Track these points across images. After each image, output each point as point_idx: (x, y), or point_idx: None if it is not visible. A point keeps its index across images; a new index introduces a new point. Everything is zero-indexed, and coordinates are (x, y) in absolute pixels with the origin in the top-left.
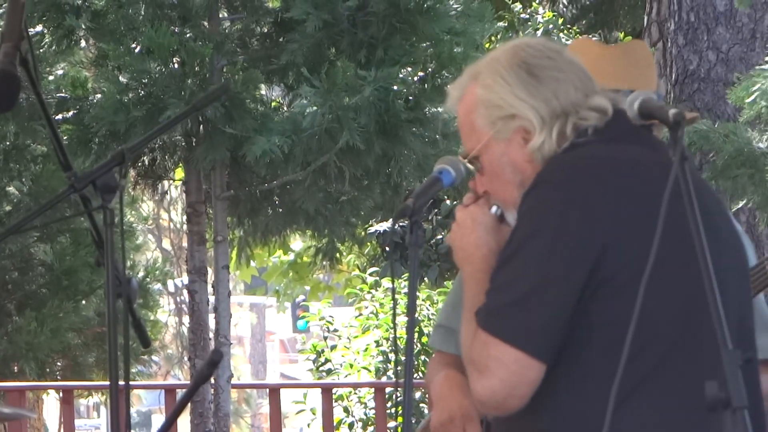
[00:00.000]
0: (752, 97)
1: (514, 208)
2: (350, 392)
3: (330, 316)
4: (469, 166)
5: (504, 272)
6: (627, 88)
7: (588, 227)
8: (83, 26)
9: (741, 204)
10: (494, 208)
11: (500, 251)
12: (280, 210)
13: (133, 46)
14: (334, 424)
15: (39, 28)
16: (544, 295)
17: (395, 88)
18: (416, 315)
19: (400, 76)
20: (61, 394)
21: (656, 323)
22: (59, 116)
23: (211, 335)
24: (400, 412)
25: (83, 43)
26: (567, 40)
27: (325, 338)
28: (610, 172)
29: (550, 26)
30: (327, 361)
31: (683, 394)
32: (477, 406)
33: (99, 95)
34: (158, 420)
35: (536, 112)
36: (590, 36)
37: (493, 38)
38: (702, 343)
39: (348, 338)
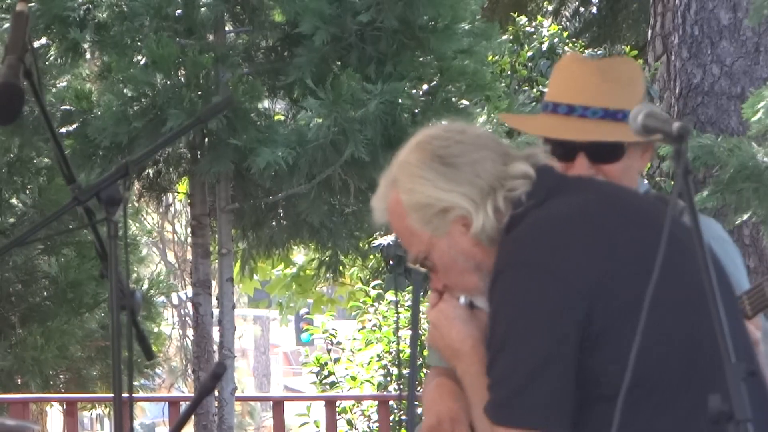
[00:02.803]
0: (758, 115)
1: (479, 293)
2: (353, 405)
3: (333, 329)
4: (421, 269)
5: (499, 364)
6: (599, 106)
7: (566, 294)
8: (87, 39)
9: (745, 217)
10: (462, 299)
11: (486, 343)
12: (285, 223)
13: (138, 58)
14: None
15: (43, 40)
16: (545, 373)
17: (401, 101)
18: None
19: (406, 89)
20: (64, 407)
21: (662, 358)
22: (63, 129)
23: (215, 348)
24: (404, 425)
25: (88, 56)
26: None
27: (329, 351)
28: (565, 232)
29: (555, 39)
30: (330, 373)
31: (699, 421)
32: None
33: (102, 108)
34: None
35: (466, 197)
36: (595, 50)
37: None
38: (710, 372)
39: (351, 351)
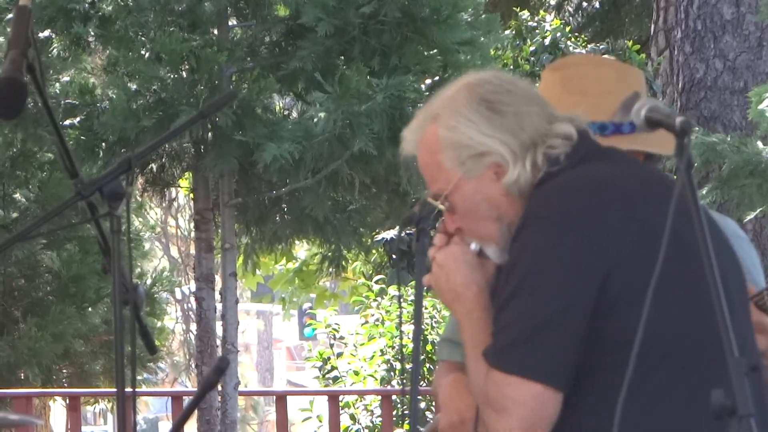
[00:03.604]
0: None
1: (493, 243)
2: (357, 399)
3: (336, 324)
4: (440, 206)
5: (509, 310)
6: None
7: (589, 253)
8: (91, 33)
9: (753, 215)
10: (473, 245)
11: (500, 291)
12: (288, 217)
13: (143, 52)
14: (341, 431)
15: (47, 32)
16: (555, 327)
17: (406, 95)
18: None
19: (411, 83)
20: (67, 401)
21: (670, 337)
22: (66, 122)
23: (219, 342)
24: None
25: (92, 47)
26: (574, 48)
27: (332, 346)
28: (597, 194)
29: (558, 34)
30: (333, 368)
31: (699, 410)
32: None
33: (107, 102)
34: (165, 427)
35: (507, 146)
36: (597, 44)
37: (500, 46)
38: (717, 356)
39: (354, 346)
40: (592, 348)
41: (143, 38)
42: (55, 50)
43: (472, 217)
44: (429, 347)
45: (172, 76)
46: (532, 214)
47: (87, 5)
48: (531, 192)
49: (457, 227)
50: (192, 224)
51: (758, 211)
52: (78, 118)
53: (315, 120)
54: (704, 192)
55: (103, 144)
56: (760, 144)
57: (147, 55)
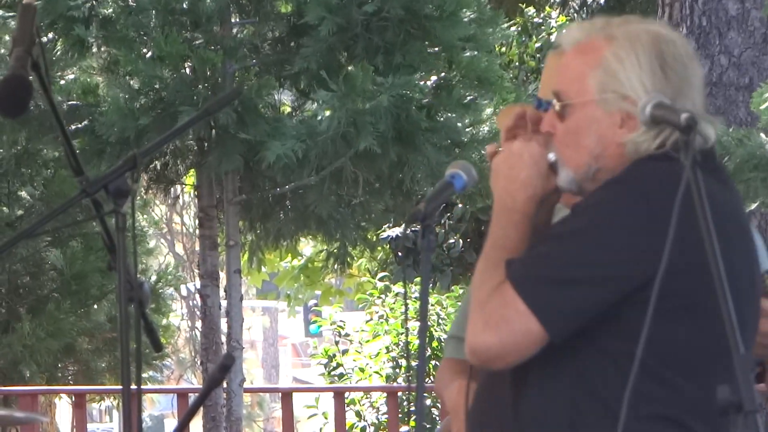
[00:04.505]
0: (766, 104)
1: (572, 169)
2: (362, 396)
3: (342, 321)
4: (554, 103)
5: (559, 246)
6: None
7: (657, 247)
8: (93, 35)
9: (753, 207)
10: (551, 156)
11: (553, 225)
12: (292, 214)
13: (144, 51)
14: (346, 428)
15: (50, 35)
16: (586, 288)
17: (411, 94)
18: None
19: (416, 82)
20: (73, 399)
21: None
22: (72, 127)
23: (224, 339)
24: (413, 416)
25: (95, 49)
26: None
27: (337, 343)
28: (689, 200)
29: (563, 31)
30: (339, 365)
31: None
32: (466, 350)
33: (108, 102)
34: (171, 424)
35: None
36: None
37: (506, 43)
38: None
39: (360, 343)
40: (614, 334)
41: (145, 38)
42: (58, 52)
43: (575, 138)
44: (435, 344)
45: (173, 76)
46: (632, 177)
47: (87, 9)
48: (640, 160)
49: (549, 131)
50: (196, 221)
51: (759, 201)
52: (83, 123)
53: (319, 118)
54: None
55: (108, 147)
56: (763, 136)
57: (149, 54)
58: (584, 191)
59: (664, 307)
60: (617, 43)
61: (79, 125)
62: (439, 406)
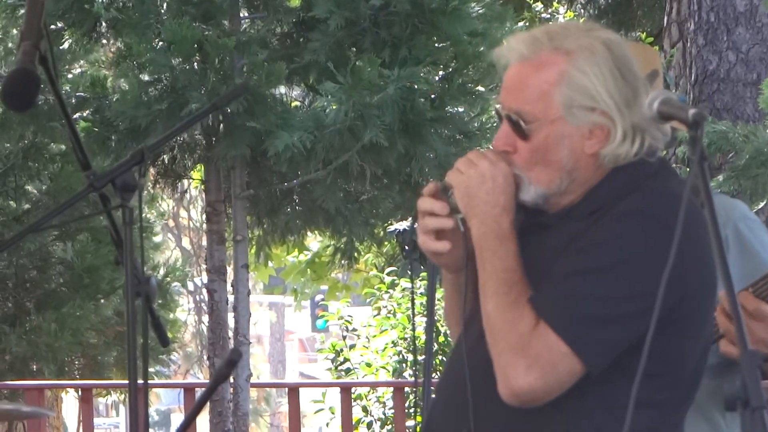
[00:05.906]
0: None
1: (541, 186)
2: (369, 391)
3: (349, 316)
4: (513, 119)
5: (590, 283)
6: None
7: (680, 271)
8: (111, 15)
9: (761, 205)
10: (516, 170)
11: (577, 246)
12: (300, 209)
13: (155, 40)
14: (353, 423)
15: (60, 24)
16: (625, 324)
17: (417, 87)
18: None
19: (423, 74)
20: (79, 393)
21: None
22: (78, 114)
23: (231, 334)
24: (420, 411)
25: (104, 41)
26: None
27: (344, 337)
28: (701, 221)
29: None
30: (346, 360)
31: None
32: (500, 385)
33: (118, 93)
34: (177, 419)
35: (622, 117)
36: None
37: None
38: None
39: (367, 338)
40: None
41: (158, 26)
42: (66, 43)
43: (543, 155)
44: (441, 339)
45: (183, 66)
46: (649, 210)
47: None
48: (638, 178)
49: (505, 150)
50: (204, 216)
51: (766, 201)
52: (90, 110)
53: (326, 111)
54: (720, 180)
55: (114, 136)
56: None
57: (160, 44)
58: (552, 204)
59: (684, 326)
60: (576, 57)
61: (85, 113)
62: None
